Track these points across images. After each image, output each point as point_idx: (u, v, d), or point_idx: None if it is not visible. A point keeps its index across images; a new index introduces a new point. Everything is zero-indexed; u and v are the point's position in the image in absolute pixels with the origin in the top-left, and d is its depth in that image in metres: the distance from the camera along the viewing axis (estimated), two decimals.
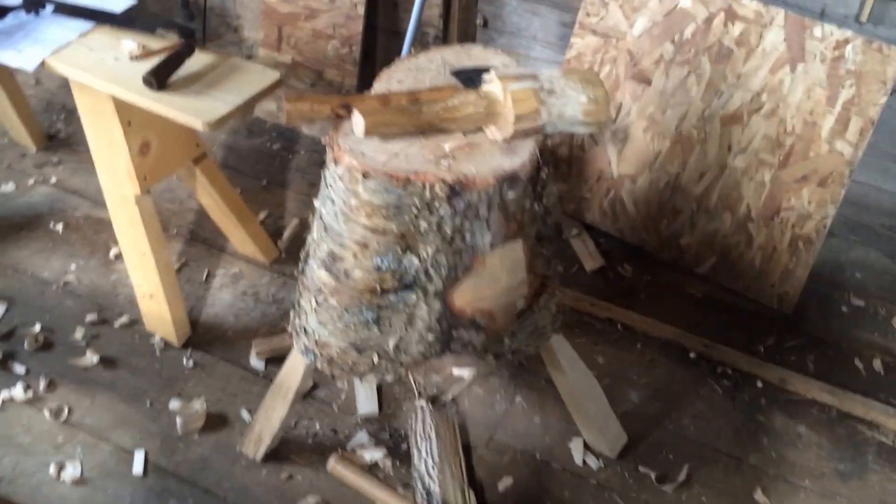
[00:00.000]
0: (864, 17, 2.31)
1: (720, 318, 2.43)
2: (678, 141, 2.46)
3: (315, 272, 1.73)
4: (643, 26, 2.46)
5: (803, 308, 2.46)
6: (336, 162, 1.58)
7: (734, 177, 2.42)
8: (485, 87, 1.62)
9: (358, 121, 1.53)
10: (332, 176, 1.61)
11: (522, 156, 1.59)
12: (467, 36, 2.78)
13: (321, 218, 1.69)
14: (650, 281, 2.53)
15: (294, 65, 2.87)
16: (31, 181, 2.73)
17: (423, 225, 1.58)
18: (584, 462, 2.05)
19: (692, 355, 2.32)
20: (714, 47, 2.38)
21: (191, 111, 1.82)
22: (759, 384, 2.26)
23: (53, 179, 2.74)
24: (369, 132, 1.53)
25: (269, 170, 2.84)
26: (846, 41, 2.23)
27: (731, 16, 2.34)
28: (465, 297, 1.70)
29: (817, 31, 2.26)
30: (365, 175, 1.54)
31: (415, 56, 1.82)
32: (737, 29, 2.34)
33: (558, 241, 2.63)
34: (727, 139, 2.41)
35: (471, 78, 1.70)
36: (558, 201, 2.69)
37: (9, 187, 2.70)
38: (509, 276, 1.72)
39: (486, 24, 2.87)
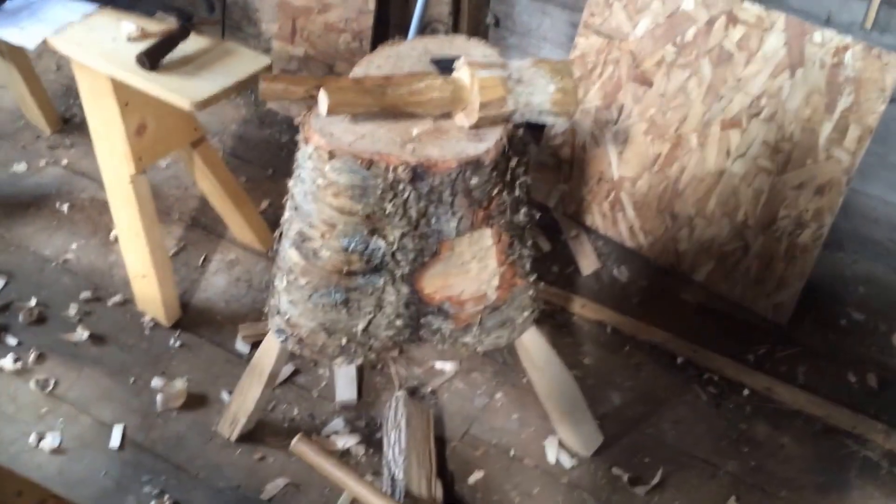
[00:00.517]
0: (868, 24, 2.26)
1: (713, 325, 2.39)
2: (678, 144, 2.44)
3: (286, 252, 1.75)
4: (646, 27, 2.44)
5: (799, 319, 2.40)
6: (306, 141, 1.60)
7: (732, 182, 2.38)
8: (454, 74, 1.63)
9: (323, 99, 1.55)
10: (303, 155, 1.63)
11: (488, 142, 1.59)
12: (478, 34, 2.78)
13: (293, 197, 1.70)
14: (644, 286, 2.50)
15: (306, 57, 2.91)
16: (42, 162, 2.80)
17: (389, 207, 1.58)
18: (558, 460, 2.03)
19: (679, 361, 2.28)
20: (715, 50, 2.35)
21: (179, 91, 1.86)
22: (746, 392, 2.22)
23: (64, 161, 2.81)
24: (332, 111, 1.54)
25: (275, 160, 2.87)
26: (846, 47, 2.19)
27: (733, 19, 2.32)
28: (434, 283, 1.70)
29: (817, 37, 2.22)
30: (331, 154, 1.55)
31: (398, 44, 1.83)
32: (738, 32, 2.31)
33: (551, 236, 2.62)
34: (726, 144, 2.37)
35: (449, 67, 1.71)
36: (554, 197, 2.67)
37: (21, 167, 2.77)
38: (479, 264, 1.71)
39: (497, 23, 2.86)
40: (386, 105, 1.58)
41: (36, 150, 2.85)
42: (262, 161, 2.87)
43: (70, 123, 2.96)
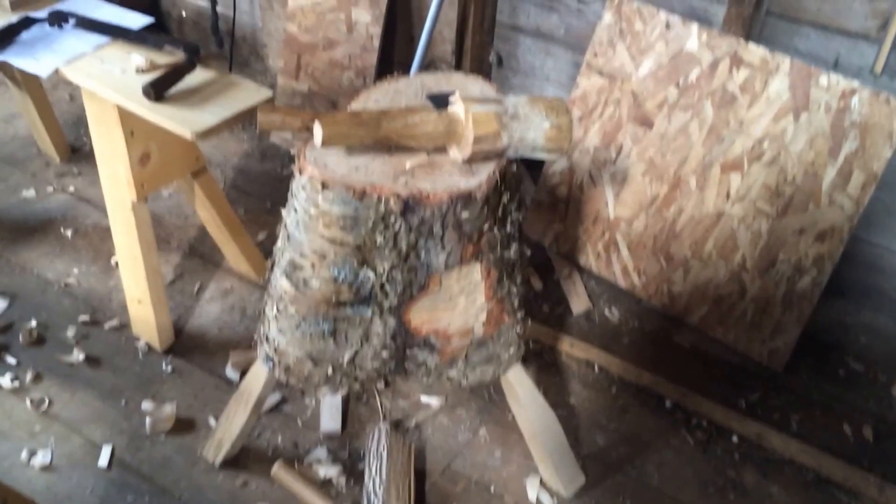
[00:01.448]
0: (878, 69, 2.25)
1: (704, 369, 2.39)
2: (676, 186, 2.46)
3: (277, 280, 1.77)
4: (649, 68, 2.47)
5: (795, 366, 2.40)
6: (300, 172, 1.63)
7: (731, 225, 2.39)
8: (449, 108, 1.66)
9: (318, 131, 1.58)
10: (297, 185, 1.66)
11: (480, 177, 1.61)
12: (481, 73, 2.84)
13: (285, 227, 1.73)
14: (636, 327, 2.51)
15: (310, 93, 2.97)
16: (50, 189, 2.87)
17: (379, 239, 1.61)
18: (538, 499, 2.03)
19: (668, 404, 2.28)
20: (718, 92, 2.37)
21: (181, 121, 1.91)
22: (735, 439, 2.21)
23: (71, 188, 2.87)
24: (326, 142, 1.57)
25: (275, 193, 2.92)
26: (853, 91, 2.18)
27: (737, 61, 2.34)
28: (421, 316, 1.72)
29: (823, 80, 2.22)
30: (324, 185, 1.58)
31: (395, 80, 1.87)
32: (741, 75, 2.33)
33: (544, 275, 2.63)
34: (726, 186, 2.38)
35: (445, 102, 1.74)
36: (549, 237, 2.69)
37: (30, 193, 2.84)
38: (466, 299, 1.73)
39: (500, 62, 2.91)
40: (380, 138, 1.61)
41: (45, 178, 2.91)
42: (262, 194, 2.92)
43: (79, 152, 3.04)
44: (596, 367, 2.37)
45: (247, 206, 2.85)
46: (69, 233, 2.69)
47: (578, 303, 2.56)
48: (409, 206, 1.57)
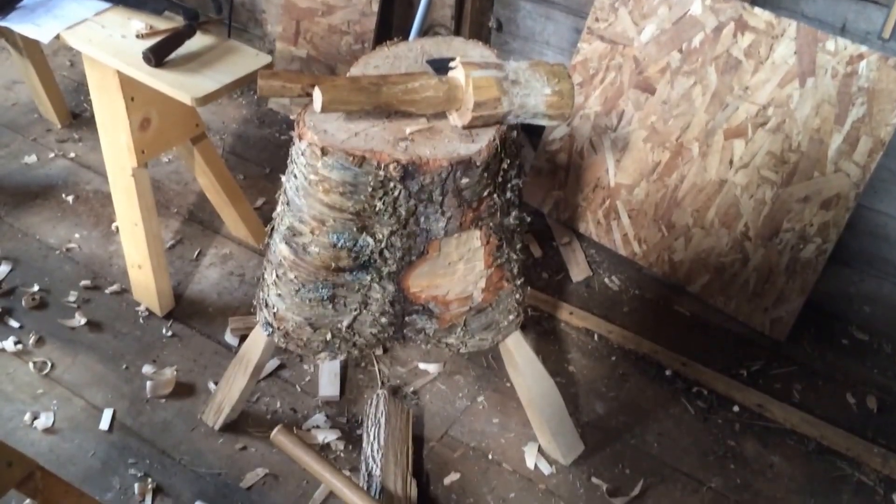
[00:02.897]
0: (887, 34, 2.19)
1: (705, 338, 2.39)
2: (678, 152, 2.44)
3: (277, 246, 1.77)
4: (651, 33, 2.44)
5: (797, 336, 2.39)
6: (300, 137, 1.62)
7: (733, 193, 2.37)
8: (449, 74, 1.65)
9: (317, 96, 1.57)
10: (297, 151, 1.65)
11: (480, 143, 1.61)
12: (480, 38, 2.81)
13: (285, 192, 1.73)
14: (636, 295, 2.51)
15: (309, 59, 2.95)
16: (51, 154, 2.86)
17: (378, 205, 1.60)
18: (536, 466, 2.04)
19: (668, 373, 2.29)
20: (722, 58, 2.33)
21: (181, 87, 1.90)
22: (736, 408, 2.21)
23: (72, 154, 2.87)
24: (326, 108, 1.57)
25: (273, 159, 2.92)
26: (860, 56, 2.14)
27: (742, 26, 2.29)
28: (420, 282, 1.72)
29: (830, 45, 2.18)
30: (324, 151, 1.58)
31: (394, 45, 1.86)
32: (746, 40, 2.29)
33: (543, 242, 2.63)
34: (729, 153, 2.36)
35: (445, 67, 1.73)
36: (549, 203, 2.67)
37: (31, 158, 2.84)
38: (465, 265, 1.73)
39: (500, 27, 2.88)
40: (380, 103, 1.60)
41: (46, 143, 2.91)
42: (261, 159, 2.92)
43: (80, 118, 3.03)
44: (595, 336, 2.37)
45: (245, 172, 2.85)
46: (70, 198, 2.69)
47: (578, 270, 2.55)
48: (408, 172, 1.56)
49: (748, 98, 2.31)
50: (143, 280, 2.30)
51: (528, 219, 1.81)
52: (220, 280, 2.46)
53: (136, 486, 1.93)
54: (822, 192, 2.25)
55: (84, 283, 2.41)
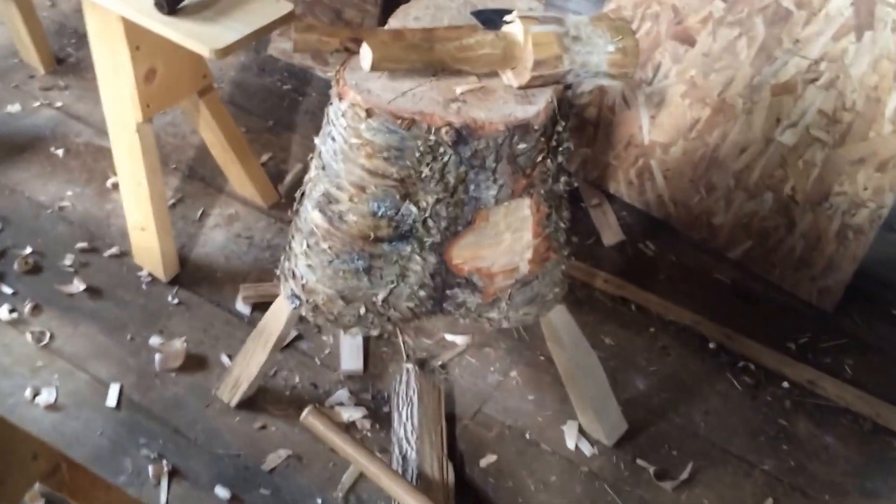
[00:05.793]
0: None
1: (749, 308, 2.28)
2: (720, 109, 2.32)
3: (309, 213, 1.65)
4: None
5: (847, 307, 2.29)
6: (340, 97, 1.50)
7: (780, 153, 2.26)
8: (505, 29, 1.51)
9: (366, 54, 1.44)
10: (336, 112, 1.53)
11: (538, 105, 1.49)
12: None
13: (320, 156, 1.61)
14: (674, 261, 2.40)
15: (313, 1, 2.77)
16: (36, 103, 2.67)
17: (426, 171, 1.49)
18: (577, 447, 1.94)
19: (712, 346, 2.18)
20: (770, 7, 2.21)
21: (198, 37, 1.75)
22: (786, 385, 2.12)
23: (59, 103, 2.68)
24: (376, 66, 1.43)
25: (276, 110, 2.75)
26: None
27: None
28: (464, 253, 1.61)
29: None
30: (369, 113, 1.45)
31: None
32: None
33: (571, 203, 2.52)
34: (776, 111, 2.25)
35: (492, 19, 1.61)
36: (575, 162, 2.55)
37: (14, 107, 2.65)
38: (513, 235, 1.62)
39: None
40: (432, 62, 1.48)
41: (29, 91, 2.72)
42: (262, 111, 2.75)
43: (64, 63, 2.83)
44: (633, 305, 2.26)
45: (247, 125, 2.68)
46: (60, 152, 2.51)
47: (610, 234, 2.44)
48: (461, 136, 1.45)
49: (798, 52, 2.19)
50: (146, 243, 2.15)
51: (576, 184, 1.68)
52: (227, 243, 2.31)
53: (150, 468, 1.81)
54: (877, 153, 2.16)
55: (80, 245, 2.25)
